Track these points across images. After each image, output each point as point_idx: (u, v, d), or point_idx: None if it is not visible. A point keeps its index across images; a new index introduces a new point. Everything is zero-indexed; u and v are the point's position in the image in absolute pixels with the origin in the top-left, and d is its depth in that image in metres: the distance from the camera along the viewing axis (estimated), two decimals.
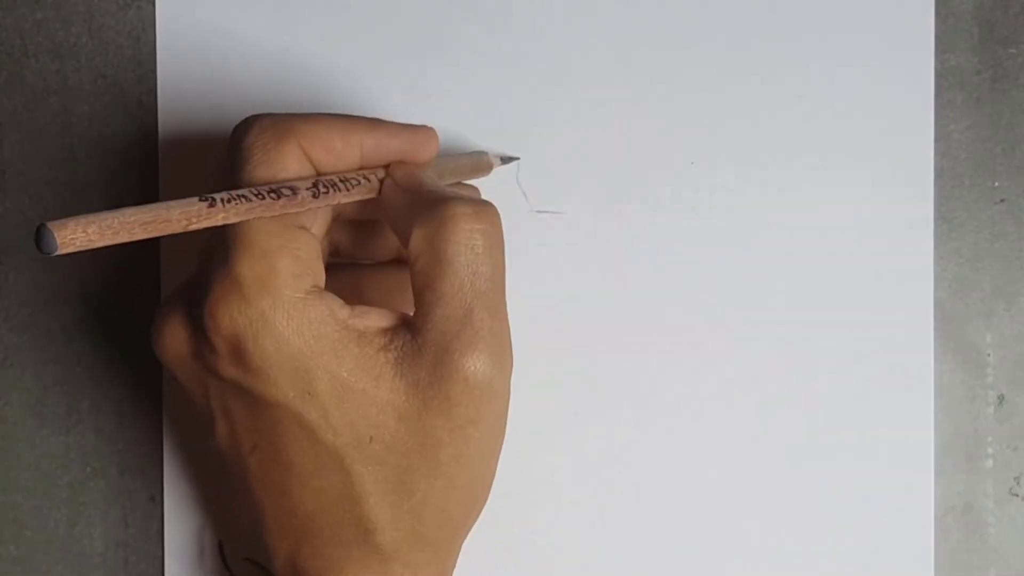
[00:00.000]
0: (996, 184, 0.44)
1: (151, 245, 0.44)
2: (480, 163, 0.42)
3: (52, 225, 0.30)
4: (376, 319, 0.36)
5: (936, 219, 0.44)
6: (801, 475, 0.43)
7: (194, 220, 0.33)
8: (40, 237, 0.30)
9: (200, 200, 0.33)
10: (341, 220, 0.40)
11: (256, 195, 0.34)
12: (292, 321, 0.35)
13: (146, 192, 0.44)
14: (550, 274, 0.43)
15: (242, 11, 0.43)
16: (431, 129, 0.39)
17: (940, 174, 0.44)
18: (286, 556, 0.37)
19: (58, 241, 0.30)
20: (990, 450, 0.44)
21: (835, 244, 0.43)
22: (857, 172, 0.43)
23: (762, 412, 0.43)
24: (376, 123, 0.38)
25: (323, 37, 0.43)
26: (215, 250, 0.36)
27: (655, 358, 0.43)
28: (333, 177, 0.36)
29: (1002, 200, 0.44)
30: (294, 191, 0.35)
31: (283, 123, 0.36)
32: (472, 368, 0.35)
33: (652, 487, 0.43)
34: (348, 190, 0.36)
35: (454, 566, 0.39)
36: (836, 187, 0.43)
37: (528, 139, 0.43)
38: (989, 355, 0.44)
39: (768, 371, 0.43)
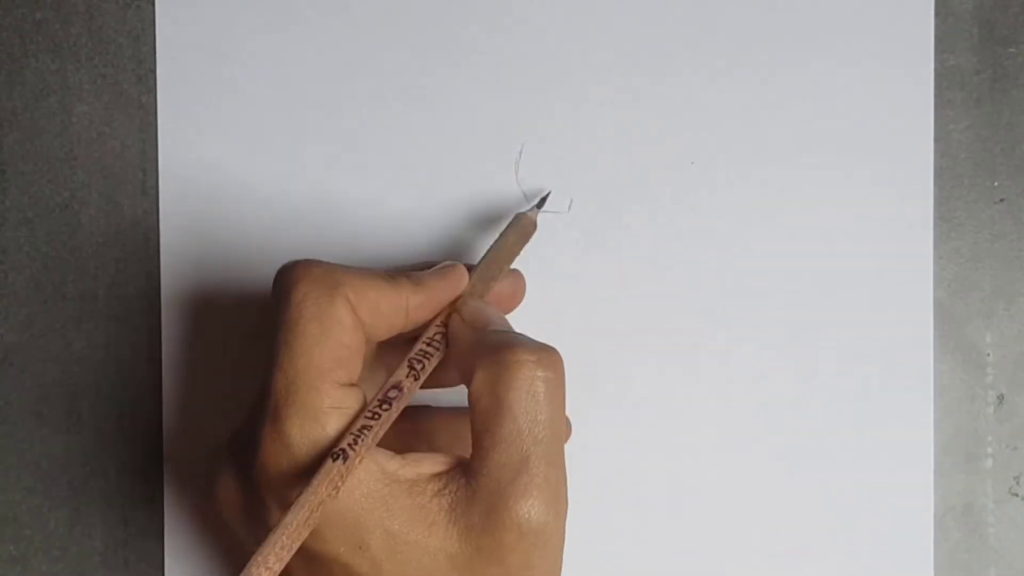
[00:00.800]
0: (996, 184, 0.44)
1: (151, 245, 0.44)
2: (525, 228, 0.41)
3: None
4: (429, 466, 0.36)
5: (936, 219, 0.44)
6: (801, 475, 0.43)
7: (339, 483, 0.34)
8: None
9: (333, 460, 0.33)
10: (397, 345, 0.39)
11: (372, 417, 0.35)
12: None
13: (146, 192, 0.44)
14: (550, 274, 0.43)
15: (242, 11, 0.43)
16: (457, 265, 0.39)
17: (940, 174, 0.44)
18: None
19: None
20: (990, 450, 0.44)
21: (835, 244, 0.43)
22: (857, 172, 0.43)
23: (762, 412, 0.43)
24: (418, 283, 0.37)
25: (323, 36, 0.43)
26: (264, 401, 0.35)
27: (655, 358, 0.43)
28: (422, 346, 0.37)
29: (1002, 200, 0.44)
30: (399, 388, 0.35)
31: (332, 276, 0.36)
32: (526, 516, 0.34)
33: (651, 486, 0.43)
34: (436, 351, 0.37)
35: None
36: (836, 187, 0.43)
37: (528, 139, 0.43)
38: (989, 355, 0.44)
39: (768, 371, 0.43)
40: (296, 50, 0.43)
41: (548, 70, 0.43)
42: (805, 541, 0.43)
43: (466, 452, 0.37)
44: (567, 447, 0.43)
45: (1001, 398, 0.44)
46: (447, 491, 0.35)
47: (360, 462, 0.34)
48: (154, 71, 0.44)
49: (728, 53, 0.43)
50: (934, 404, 0.43)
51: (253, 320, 0.43)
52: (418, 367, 0.36)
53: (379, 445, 0.35)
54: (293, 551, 0.33)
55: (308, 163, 0.43)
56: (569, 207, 0.44)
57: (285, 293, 0.36)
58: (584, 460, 0.43)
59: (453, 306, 0.38)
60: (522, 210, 0.42)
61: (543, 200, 0.42)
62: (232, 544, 0.43)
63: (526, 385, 0.35)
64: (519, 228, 0.41)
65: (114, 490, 0.44)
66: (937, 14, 0.44)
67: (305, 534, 0.33)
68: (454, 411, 0.41)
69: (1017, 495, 0.44)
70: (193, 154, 0.43)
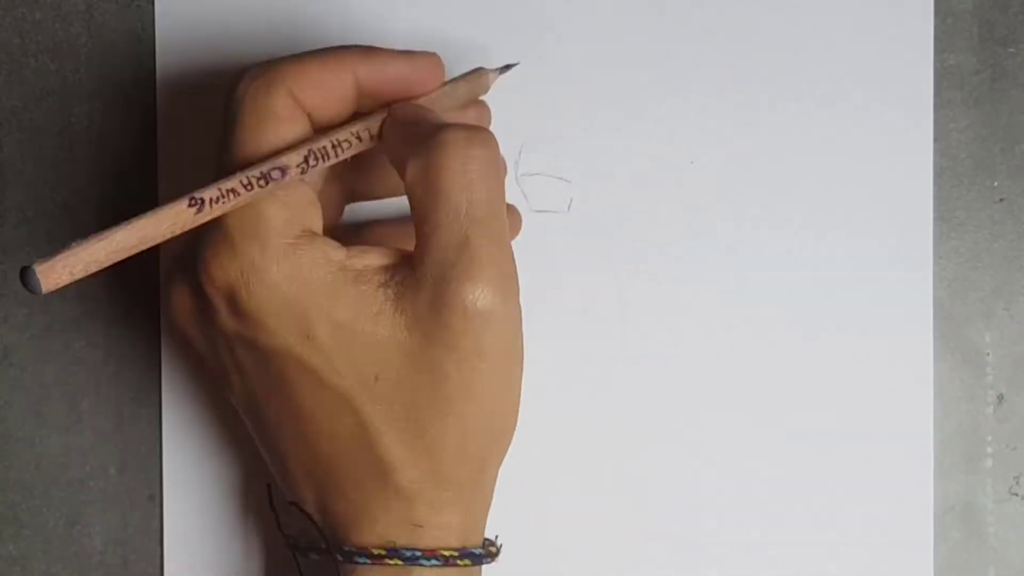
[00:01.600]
0: (995, 183, 0.44)
1: None
2: (479, 83, 0.40)
3: (40, 269, 0.31)
4: (376, 257, 0.36)
5: (935, 218, 0.44)
6: (800, 474, 0.43)
7: (180, 227, 0.33)
8: (26, 278, 0.31)
9: (189, 205, 0.33)
10: (351, 165, 0.39)
11: (246, 185, 0.34)
12: (282, 267, 0.34)
13: (145, 191, 0.44)
14: (550, 274, 0.43)
15: (241, 11, 0.43)
16: (434, 56, 0.38)
17: (939, 173, 0.44)
18: (315, 502, 0.37)
19: (44, 285, 0.31)
20: (989, 450, 0.44)
21: (834, 243, 0.43)
22: (857, 171, 0.43)
23: (761, 411, 0.43)
24: (370, 51, 0.37)
25: (322, 37, 0.43)
26: None
27: (654, 357, 0.43)
28: (324, 143, 0.36)
29: (1001, 199, 0.44)
30: (283, 171, 0.35)
31: (271, 70, 0.36)
32: (471, 297, 0.34)
33: (651, 486, 0.43)
34: (339, 154, 0.36)
35: (487, 507, 0.38)
36: (835, 186, 0.43)
37: (527, 139, 0.43)
38: (988, 354, 0.44)
39: (767, 370, 0.43)
40: (295, 49, 0.43)
41: (548, 70, 0.43)
42: (805, 540, 0.43)
43: (386, 192, 0.37)
44: (565, 446, 0.43)
45: (1001, 398, 0.44)
46: (392, 282, 0.35)
47: (208, 219, 0.34)
48: (154, 71, 0.44)
49: (728, 53, 0.43)
50: (934, 404, 0.43)
51: None
52: (311, 162, 0.35)
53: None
54: (97, 265, 0.32)
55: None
56: (569, 207, 0.44)
57: (228, 93, 0.36)
58: (584, 460, 0.43)
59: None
60: (485, 68, 0.40)
61: (507, 67, 0.41)
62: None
63: (458, 165, 0.34)
64: (473, 80, 0.40)
65: (113, 490, 0.44)
66: (937, 14, 0.44)
67: (123, 257, 0.33)
68: (398, 219, 0.41)
69: (1017, 495, 0.44)
70: (193, 154, 0.43)
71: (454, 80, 0.39)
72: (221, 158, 0.36)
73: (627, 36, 0.43)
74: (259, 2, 0.43)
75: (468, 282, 0.34)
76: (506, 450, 0.38)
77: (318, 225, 0.36)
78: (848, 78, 0.43)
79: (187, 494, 0.44)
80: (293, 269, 0.34)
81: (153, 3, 0.44)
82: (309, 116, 0.36)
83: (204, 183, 0.42)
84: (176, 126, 0.44)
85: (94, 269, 0.32)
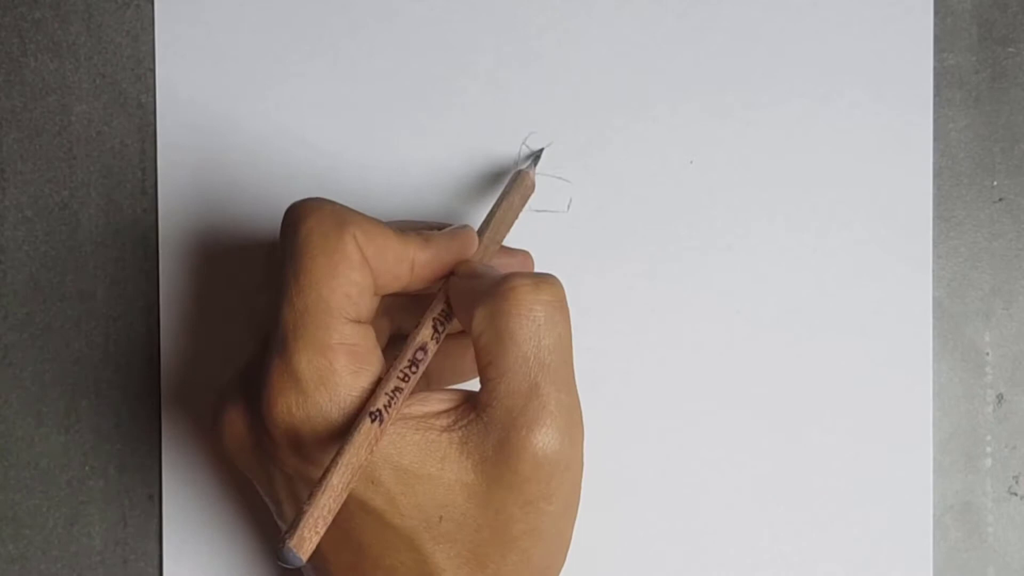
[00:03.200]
0: (995, 183, 0.44)
1: (150, 245, 0.44)
2: (525, 186, 0.41)
3: (293, 544, 0.31)
4: (436, 403, 0.36)
5: (935, 218, 0.44)
6: (800, 474, 0.43)
7: (375, 443, 0.34)
8: (282, 555, 0.31)
9: (371, 421, 0.33)
10: (402, 297, 0.39)
11: (403, 379, 0.35)
12: (349, 418, 0.34)
13: (145, 192, 0.44)
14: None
15: (241, 10, 0.43)
16: (469, 228, 0.38)
17: (939, 173, 0.44)
18: None
19: (303, 556, 0.32)
20: (989, 449, 0.44)
21: (834, 243, 0.43)
22: (856, 171, 0.43)
23: (761, 411, 0.43)
24: (427, 240, 0.37)
25: (323, 36, 0.43)
26: (273, 337, 0.35)
27: (654, 357, 0.43)
28: (444, 307, 0.36)
29: (1001, 199, 0.44)
30: (425, 350, 0.35)
31: (342, 214, 0.36)
32: (540, 444, 0.34)
33: (651, 485, 0.43)
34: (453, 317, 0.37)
35: None
36: (835, 186, 0.43)
37: (527, 139, 0.43)
38: (988, 354, 0.44)
39: (766, 369, 0.43)
40: (295, 49, 0.43)
41: (548, 70, 0.43)
42: (804, 540, 0.43)
43: (456, 380, 0.37)
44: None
45: (1000, 397, 0.44)
46: (457, 426, 0.35)
47: (392, 424, 0.34)
48: (153, 70, 0.44)
49: (728, 52, 0.43)
50: (933, 403, 0.43)
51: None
52: (440, 329, 0.36)
53: None
54: (334, 512, 0.32)
55: (308, 162, 0.43)
56: (568, 207, 0.44)
57: (294, 227, 0.36)
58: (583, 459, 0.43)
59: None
60: (519, 168, 0.41)
61: (537, 157, 0.42)
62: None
63: (525, 311, 0.34)
64: (521, 187, 0.41)
65: (113, 489, 0.44)
66: (936, 13, 0.44)
67: (345, 496, 0.33)
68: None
69: (1016, 494, 0.44)
70: (192, 154, 0.43)
71: (506, 192, 0.40)
72: (292, 297, 0.35)
73: (627, 36, 0.43)
74: (259, 2, 0.43)
75: (536, 429, 0.34)
76: None
77: (379, 371, 0.36)
78: (848, 78, 0.43)
79: (186, 494, 0.44)
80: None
81: (152, 2, 0.44)
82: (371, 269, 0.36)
83: (206, 184, 0.42)
84: (176, 126, 0.44)
85: (331, 517, 0.32)
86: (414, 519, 0.35)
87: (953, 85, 0.44)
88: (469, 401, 0.36)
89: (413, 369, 0.35)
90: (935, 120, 0.44)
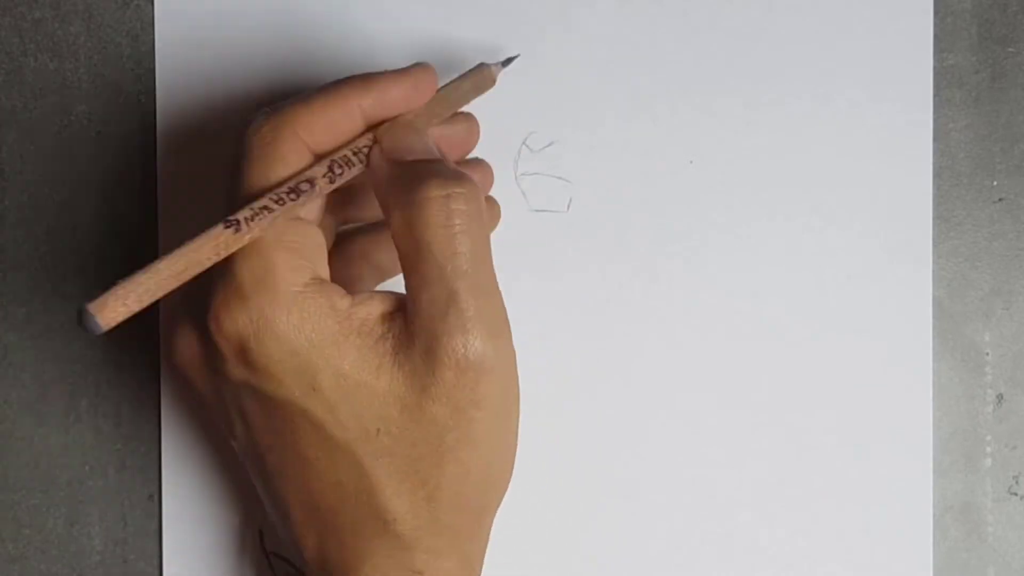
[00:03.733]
0: (995, 183, 0.44)
1: (150, 244, 0.44)
2: (483, 79, 0.40)
3: (92, 307, 0.31)
4: (378, 304, 0.36)
5: (935, 218, 0.44)
6: (800, 473, 0.43)
7: (223, 250, 0.34)
8: (83, 320, 0.31)
9: (225, 227, 0.34)
10: (343, 191, 0.39)
11: (277, 201, 0.34)
12: (291, 317, 0.34)
13: (145, 191, 0.44)
14: (549, 274, 0.43)
15: (240, 10, 0.43)
16: (426, 66, 0.38)
17: (939, 173, 0.44)
18: (314, 549, 0.37)
19: (101, 322, 0.31)
20: (989, 449, 0.44)
21: (834, 242, 0.43)
22: (856, 171, 0.43)
23: (761, 411, 0.43)
24: (369, 80, 0.37)
25: (322, 35, 0.43)
26: None
27: (654, 357, 0.43)
28: (346, 152, 0.36)
29: (1000, 199, 0.44)
30: (311, 183, 0.35)
31: (277, 115, 0.36)
32: (462, 350, 0.35)
33: (650, 485, 0.43)
34: (360, 162, 0.36)
35: (483, 550, 0.39)
36: (835, 186, 0.43)
37: (527, 139, 0.43)
38: (988, 354, 0.44)
39: (766, 369, 0.43)
40: (295, 49, 0.43)
41: (548, 69, 0.43)
42: (804, 540, 0.43)
43: (382, 278, 0.37)
44: (565, 446, 0.43)
45: (1000, 397, 0.44)
46: (390, 335, 0.35)
47: (248, 238, 0.34)
48: (153, 70, 0.44)
49: (728, 52, 0.43)
50: (933, 403, 0.43)
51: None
52: (337, 171, 0.36)
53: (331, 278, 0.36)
54: (152, 296, 0.32)
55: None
56: (568, 206, 0.44)
57: (238, 143, 0.36)
58: (583, 458, 0.43)
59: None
60: (487, 63, 0.40)
61: (509, 60, 0.41)
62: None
63: (441, 220, 0.35)
64: (476, 76, 0.40)
65: (112, 489, 0.44)
66: (936, 13, 0.44)
67: (173, 286, 0.33)
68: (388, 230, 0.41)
69: (1016, 494, 0.44)
70: (192, 153, 0.43)
71: (458, 79, 0.39)
72: (230, 198, 0.36)
73: (627, 35, 0.43)
74: (258, 1, 0.43)
75: (458, 335, 0.35)
76: (503, 495, 0.38)
77: (324, 268, 0.36)
78: (848, 78, 0.43)
79: (186, 493, 0.44)
80: (301, 319, 0.35)
81: (152, 2, 0.44)
82: (315, 155, 0.36)
83: (205, 184, 0.42)
84: (175, 125, 0.44)
85: (147, 300, 0.32)
86: (353, 431, 0.35)
87: (953, 85, 0.44)
88: (401, 308, 0.36)
89: (292, 197, 0.35)
90: (935, 120, 0.44)
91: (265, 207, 0.34)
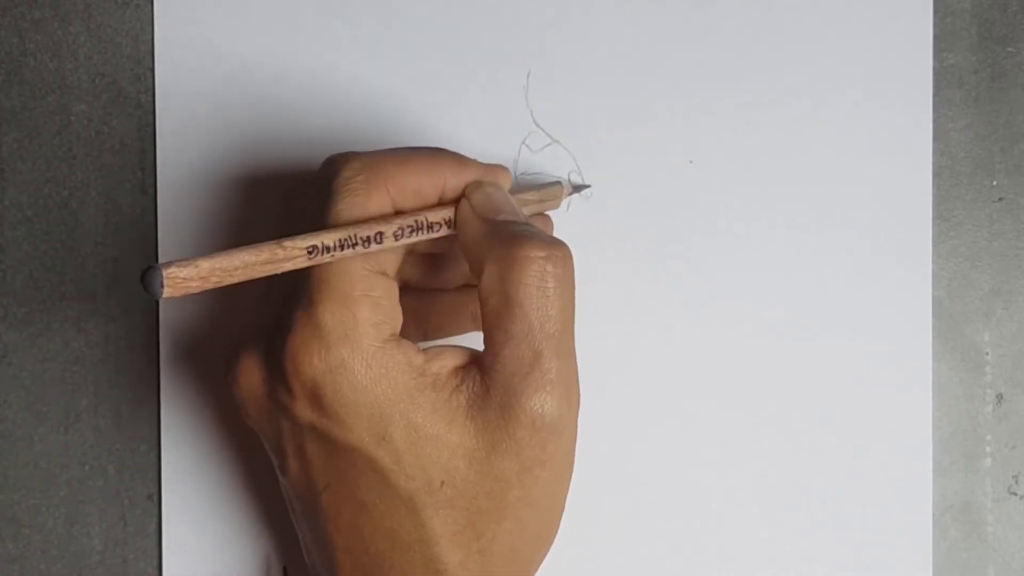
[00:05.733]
0: (994, 183, 0.44)
1: (149, 244, 0.44)
2: (550, 195, 0.41)
3: (163, 269, 0.31)
4: (450, 359, 0.36)
5: (934, 218, 0.44)
6: (800, 473, 0.43)
7: (281, 269, 0.34)
8: (147, 279, 0.31)
9: (309, 253, 0.34)
10: (413, 255, 0.40)
11: (341, 244, 0.35)
12: (371, 370, 0.35)
13: (144, 191, 0.44)
14: None
15: (240, 10, 0.43)
16: (505, 168, 0.39)
17: (938, 172, 0.44)
18: None
19: (166, 286, 0.31)
20: (988, 449, 0.44)
21: (834, 243, 0.43)
22: (856, 170, 0.43)
23: (760, 410, 0.43)
24: (460, 163, 0.38)
25: (321, 35, 0.43)
26: (296, 292, 0.36)
27: (653, 357, 0.43)
28: (419, 218, 0.37)
29: (1000, 199, 0.44)
30: (380, 239, 0.35)
31: (375, 166, 0.37)
32: (539, 410, 0.35)
33: (650, 484, 0.43)
34: (428, 232, 0.37)
35: None
36: (835, 186, 0.43)
37: (527, 138, 0.43)
38: (987, 354, 0.44)
39: (766, 369, 0.43)
40: (294, 48, 0.43)
41: (548, 70, 0.43)
42: (804, 539, 0.43)
43: (457, 331, 0.38)
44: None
45: (1000, 397, 0.44)
46: (464, 387, 0.36)
47: (322, 262, 0.35)
48: (152, 70, 0.44)
49: (728, 52, 0.43)
50: (933, 403, 0.43)
51: (252, 317, 0.43)
52: (407, 232, 0.36)
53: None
54: (220, 282, 0.33)
55: (308, 162, 0.43)
56: (568, 207, 0.44)
57: (327, 179, 0.37)
58: (582, 458, 0.43)
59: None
60: (560, 181, 0.42)
61: (581, 188, 0.43)
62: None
63: (536, 281, 0.35)
64: (546, 188, 0.41)
65: (112, 489, 0.44)
66: (936, 13, 0.44)
67: (240, 278, 0.33)
68: (443, 293, 0.42)
69: (1016, 494, 0.44)
70: (191, 153, 0.43)
71: (533, 189, 0.41)
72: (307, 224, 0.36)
73: (627, 36, 0.43)
74: (259, 2, 0.43)
75: (537, 395, 0.35)
76: (548, 550, 0.39)
77: (399, 326, 0.37)
78: (848, 77, 0.43)
79: (186, 493, 0.44)
80: (380, 373, 0.35)
81: (152, 2, 0.44)
82: (395, 211, 0.37)
83: (205, 184, 0.42)
84: (175, 125, 0.44)
85: (214, 282, 0.33)
86: (417, 481, 0.36)
87: (953, 85, 0.44)
88: (475, 361, 0.36)
89: (363, 246, 0.35)
90: (935, 120, 0.44)
91: (333, 245, 0.35)
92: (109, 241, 0.44)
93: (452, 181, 0.38)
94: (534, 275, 0.35)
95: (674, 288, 0.43)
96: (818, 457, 0.43)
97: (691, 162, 0.44)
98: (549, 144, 0.43)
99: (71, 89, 0.44)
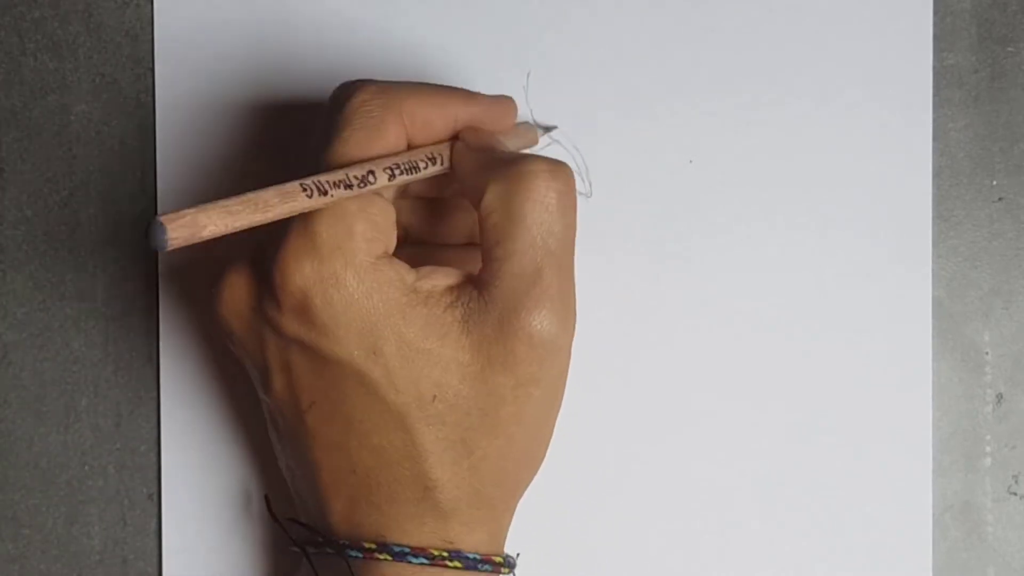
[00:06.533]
0: (994, 182, 0.44)
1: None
2: (528, 136, 0.42)
3: (165, 219, 0.31)
4: (442, 278, 0.36)
5: (934, 217, 0.44)
6: (799, 473, 0.43)
7: (301, 207, 0.34)
8: (151, 232, 0.31)
9: (304, 190, 0.34)
10: (410, 198, 0.40)
11: (337, 183, 0.35)
12: (363, 284, 0.35)
13: (144, 190, 0.44)
14: None
15: (241, 10, 0.43)
16: (511, 99, 0.40)
17: (938, 172, 0.44)
18: (342, 513, 0.37)
19: (170, 237, 0.31)
20: (988, 448, 0.44)
21: (833, 242, 0.43)
22: (855, 170, 0.43)
23: (760, 410, 0.43)
24: (470, 97, 0.38)
25: (321, 36, 0.43)
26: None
27: (653, 356, 0.43)
28: (413, 159, 0.37)
29: (1000, 198, 0.44)
30: (372, 177, 0.35)
31: (389, 93, 0.37)
32: (539, 326, 0.35)
33: (650, 484, 0.43)
34: (420, 171, 0.37)
35: (509, 525, 0.39)
36: (835, 185, 0.43)
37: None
38: (987, 353, 0.44)
39: (766, 369, 0.43)
40: (294, 48, 0.43)
41: (547, 70, 0.43)
42: (804, 539, 0.43)
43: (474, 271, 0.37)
44: (564, 445, 0.43)
45: (1000, 397, 0.44)
46: (459, 303, 0.36)
47: (325, 203, 0.34)
48: (152, 70, 0.44)
49: (728, 52, 0.43)
50: (933, 403, 0.43)
51: None
52: (396, 171, 0.36)
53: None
54: (218, 232, 0.32)
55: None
56: None
57: (341, 101, 0.37)
58: (581, 457, 0.43)
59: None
60: (533, 129, 0.42)
61: (549, 128, 0.43)
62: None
63: (540, 196, 0.36)
64: (522, 130, 0.41)
65: (112, 489, 0.44)
66: (936, 13, 0.44)
67: (242, 225, 0.33)
68: (444, 247, 0.42)
69: (1015, 494, 0.44)
70: (191, 153, 0.44)
71: (521, 125, 0.41)
72: (326, 161, 0.36)
73: (627, 36, 0.43)
74: (258, 2, 0.43)
75: (537, 311, 0.35)
76: (536, 474, 0.39)
77: (393, 247, 0.37)
78: (848, 77, 0.43)
79: (186, 493, 0.44)
80: (372, 287, 0.35)
81: (152, 2, 0.44)
82: (408, 145, 0.37)
83: (205, 183, 0.42)
84: (175, 125, 0.44)
85: (216, 231, 0.32)
86: (408, 395, 0.36)
87: (952, 85, 0.44)
88: (470, 280, 0.36)
89: (358, 185, 0.35)
90: (935, 120, 0.44)
91: (331, 181, 0.35)
92: (109, 241, 0.44)
93: (462, 115, 0.38)
94: (539, 190, 0.35)
95: (674, 288, 0.43)
96: (818, 457, 0.43)
97: (691, 162, 0.44)
98: (549, 144, 0.43)
99: (71, 89, 0.44)
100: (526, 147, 0.42)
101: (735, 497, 0.43)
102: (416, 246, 0.41)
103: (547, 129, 0.43)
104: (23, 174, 0.44)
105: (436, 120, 0.37)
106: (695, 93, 0.43)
